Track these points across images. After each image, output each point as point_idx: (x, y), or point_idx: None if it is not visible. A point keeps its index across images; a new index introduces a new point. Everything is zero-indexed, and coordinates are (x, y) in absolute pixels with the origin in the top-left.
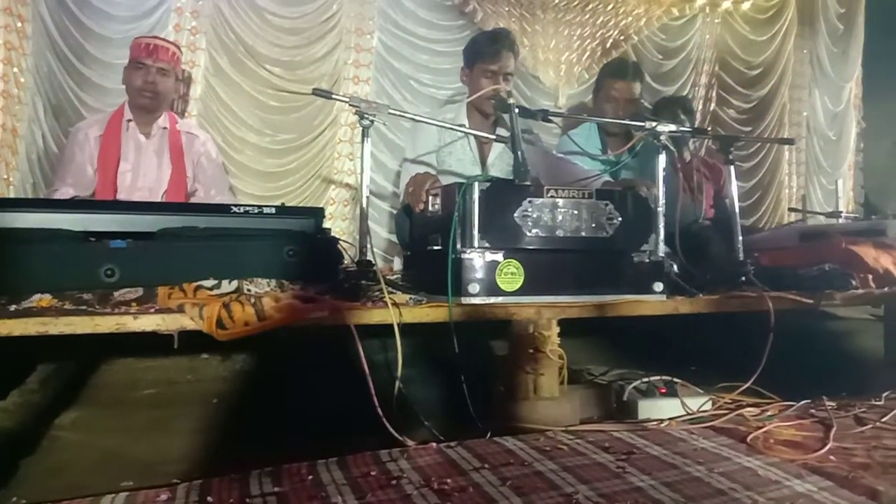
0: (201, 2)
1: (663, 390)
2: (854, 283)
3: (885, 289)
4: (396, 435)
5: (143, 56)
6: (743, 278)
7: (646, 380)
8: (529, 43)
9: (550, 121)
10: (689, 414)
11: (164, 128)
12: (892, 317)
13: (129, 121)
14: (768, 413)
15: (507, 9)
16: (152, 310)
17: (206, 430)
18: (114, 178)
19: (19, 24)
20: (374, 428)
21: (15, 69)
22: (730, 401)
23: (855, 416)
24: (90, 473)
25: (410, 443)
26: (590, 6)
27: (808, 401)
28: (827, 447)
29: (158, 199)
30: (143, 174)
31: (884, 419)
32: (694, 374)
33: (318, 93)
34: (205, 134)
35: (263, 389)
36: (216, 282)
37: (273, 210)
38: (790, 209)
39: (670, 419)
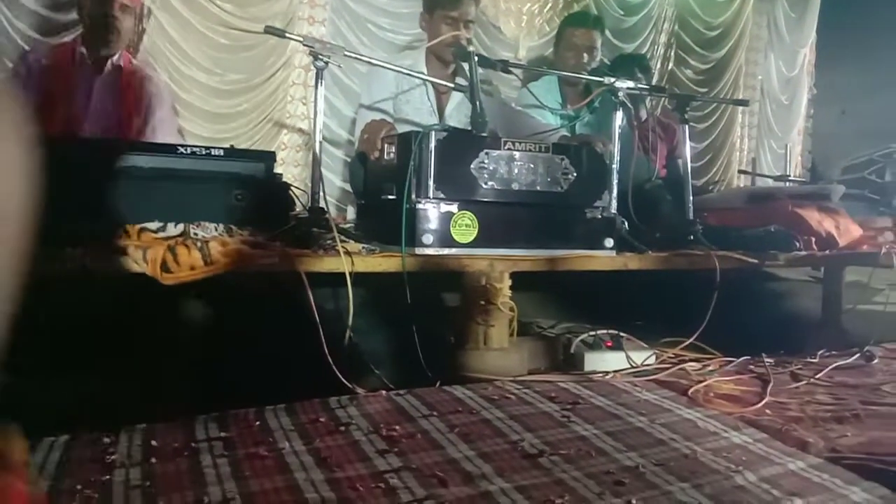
0: None
1: (609, 344)
2: (798, 244)
3: (826, 252)
4: (346, 383)
5: None
6: (691, 237)
7: (592, 333)
8: None
9: (510, 72)
10: (633, 367)
11: (119, 66)
12: (830, 279)
13: (83, 53)
14: (709, 368)
15: None
16: None
17: (151, 375)
18: (63, 111)
19: None
20: (325, 376)
21: None
22: (673, 355)
23: (791, 372)
24: (30, 420)
25: (360, 390)
26: None
27: (748, 357)
28: (763, 401)
29: None
30: (93, 110)
31: (817, 376)
32: (640, 328)
33: (270, 30)
34: (157, 74)
35: (211, 336)
36: (161, 224)
37: (221, 152)
38: (740, 171)
39: (615, 372)
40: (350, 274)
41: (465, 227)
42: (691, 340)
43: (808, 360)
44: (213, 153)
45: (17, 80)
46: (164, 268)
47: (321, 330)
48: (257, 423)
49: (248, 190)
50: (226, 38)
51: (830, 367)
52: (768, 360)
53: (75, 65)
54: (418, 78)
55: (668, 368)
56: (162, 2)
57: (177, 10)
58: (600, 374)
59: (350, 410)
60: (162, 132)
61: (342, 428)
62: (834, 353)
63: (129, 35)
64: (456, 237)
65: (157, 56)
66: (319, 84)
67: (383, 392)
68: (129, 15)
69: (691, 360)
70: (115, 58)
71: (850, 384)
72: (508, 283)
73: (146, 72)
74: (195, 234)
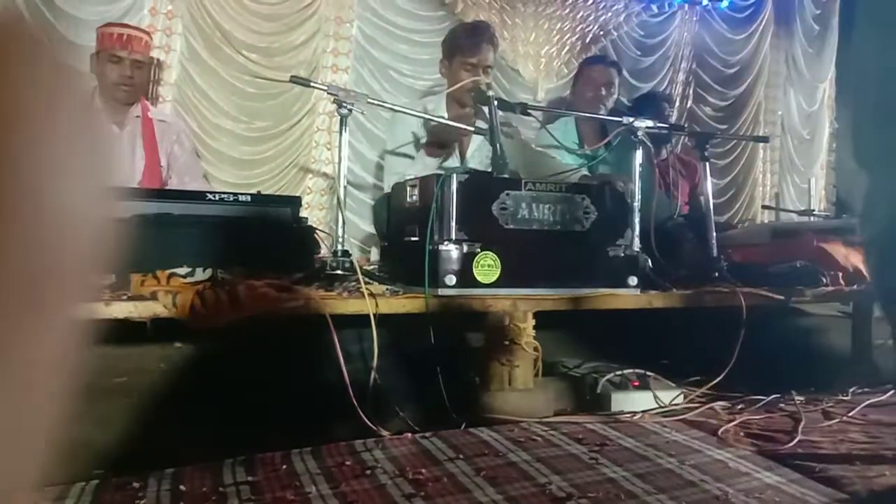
0: None
1: (636, 383)
2: (824, 280)
3: (854, 286)
4: (371, 425)
5: (117, 48)
6: (716, 274)
7: (619, 373)
8: (509, 36)
9: (529, 114)
10: (661, 407)
11: (137, 116)
12: (859, 314)
13: (102, 109)
14: (739, 407)
15: (487, 0)
16: (125, 297)
17: (178, 419)
18: None
19: None
20: (350, 418)
21: None
22: (701, 394)
23: (822, 410)
24: (58, 462)
25: (385, 433)
26: (570, 0)
27: (778, 395)
28: (795, 440)
29: None
30: (116, 165)
31: (850, 413)
32: (666, 367)
33: (295, 80)
34: (177, 120)
35: (237, 379)
36: (190, 269)
37: (248, 198)
38: (764, 206)
39: (643, 412)
40: (374, 316)
41: (488, 268)
42: (719, 379)
43: (840, 397)
44: (240, 199)
45: None
46: (193, 312)
47: (346, 371)
48: (284, 466)
49: (275, 234)
50: (252, 87)
51: (863, 404)
52: (798, 398)
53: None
54: (439, 122)
55: (696, 408)
56: (191, 53)
57: (204, 61)
58: (628, 415)
59: (376, 454)
60: (189, 175)
61: (368, 471)
62: (866, 389)
63: (145, 87)
64: (478, 277)
65: (185, 105)
66: (343, 131)
67: (408, 435)
68: (144, 69)
69: (720, 399)
70: (134, 108)
71: (885, 422)
72: (532, 322)
73: (166, 119)
74: (223, 278)
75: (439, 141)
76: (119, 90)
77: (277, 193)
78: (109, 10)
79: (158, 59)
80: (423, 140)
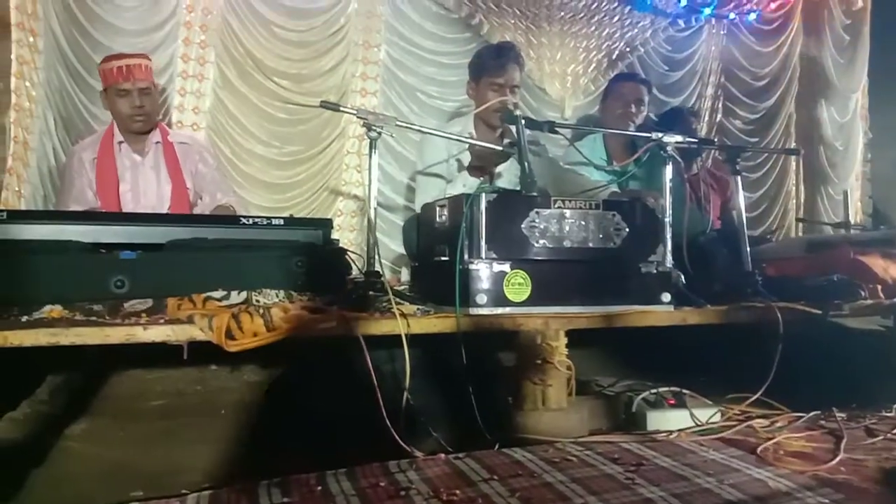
0: (210, 16)
1: (672, 401)
2: (863, 293)
3: (894, 299)
4: (405, 446)
5: (120, 81)
6: (750, 289)
7: (654, 391)
8: (535, 55)
9: (557, 132)
10: (698, 425)
11: (158, 142)
12: None
13: (121, 142)
14: (778, 424)
15: (512, 21)
16: (162, 321)
17: (214, 441)
18: (116, 200)
19: (31, 39)
20: (383, 439)
21: (27, 83)
22: (739, 412)
23: (865, 427)
24: (99, 484)
25: (419, 454)
26: (595, 18)
27: (818, 412)
28: (837, 458)
29: None
30: (144, 193)
31: (895, 430)
32: (702, 384)
33: (326, 105)
34: (197, 139)
35: (272, 400)
36: (225, 293)
37: (281, 221)
38: (798, 219)
39: (679, 430)
40: (406, 336)
41: (519, 286)
42: (758, 396)
43: (883, 413)
44: (273, 223)
45: (73, 174)
46: (229, 335)
47: (379, 392)
48: (319, 487)
49: (307, 256)
50: (283, 113)
51: None
52: (840, 415)
53: (121, 153)
54: (468, 142)
55: (734, 426)
56: (223, 81)
57: (236, 88)
58: (664, 434)
59: (410, 475)
60: (220, 191)
61: (402, 493)
62: None
63: (157, 111)
64: (509, 296)
65: (218, 131)
66: (373, 153)
67: (442, 455)
68: (150, 94)
69: (758, 417)
70: (153, 135)
71: None
72: (564, 340)
73: (186, 140)
74: (257, 301)
75: (481, 162)
76: (133, 121)
77: (309, 216)
78: (145, 41)
79: (160, 86)
80: (456, 161)
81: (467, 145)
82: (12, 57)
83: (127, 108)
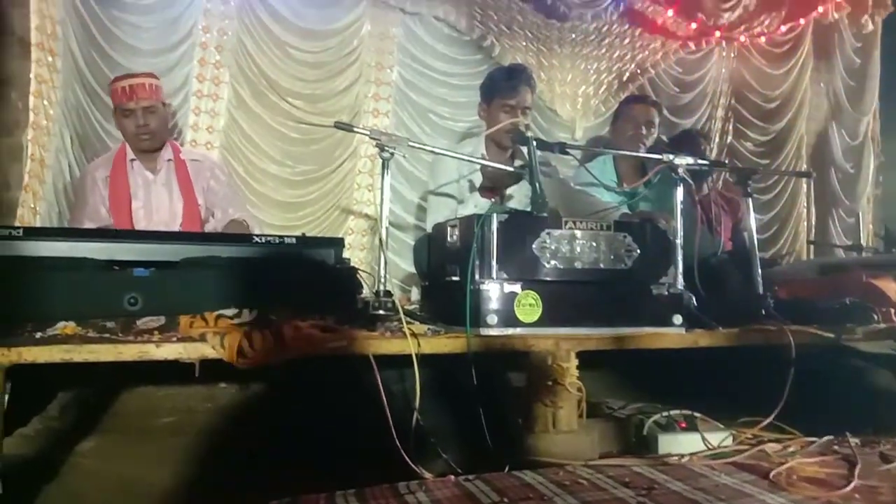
0: (225, 37)
1: (683, 425)
2: (876, 317)
3: None
4: (414, 467)
5: (124, 101)
6: (762, 311)
7: (665, 414)
8: (546, 76)
9: (568, 153)
10: (710, 449)
11: (169, 160)
12: None
13: (133, 160)
14: (791, 449)
15: (524, 43)
16: (174, 338)
17: (223, 459)
18: (128, 217)
19: (50, 59)
20: (392, 459)
21: (45, 101)
22: (751, 436)
23: (880, 453)
24: (109, 500)
25: (428, 475)
26: (606, 40)
27: (831, 437)
28: (852, 485)
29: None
30: (156, 210)
31: None
32: (714, 408)
33: (339, 126)
34: (209, 156)
35: (281, 419)
36: (237, 311)
37: (294, 240)
38: (809, 242)
39: (691, 454)
40: (416, 356)
41: (529, 307)
42: (770, 420)
43: None
44: (285, 241)
45: (86, 192)
46: (241, 353)
47: (388, 412)
48: None
49: (319, 275)
50: (296, 132)
51: None
52: (854, 440)
53: (133, 171)
54: (479, 163)
55: (746, 450)
56: (237, 101)
57: (251, 108)
58: (675, 457)
59: (419, 496)
60: (233, 207)
61: None
62: None
63: (165, 129)
64: (520, 317)
65: (232, 151)
66: (385, 174)
67: (452, 477)
68: (156, 112)
69: (771, 441)
70: (165, 152)
71: None
72: (575, 362)
73: (198, 158)
74: (269, 319)
75: (492, 183)
76: (139, 140)
77: (321, 235)
78: (161, 62)
79: (170, 105)
80: (468, 182)
81: (479, 166)
82: (31, 76)
83: (131, 126)
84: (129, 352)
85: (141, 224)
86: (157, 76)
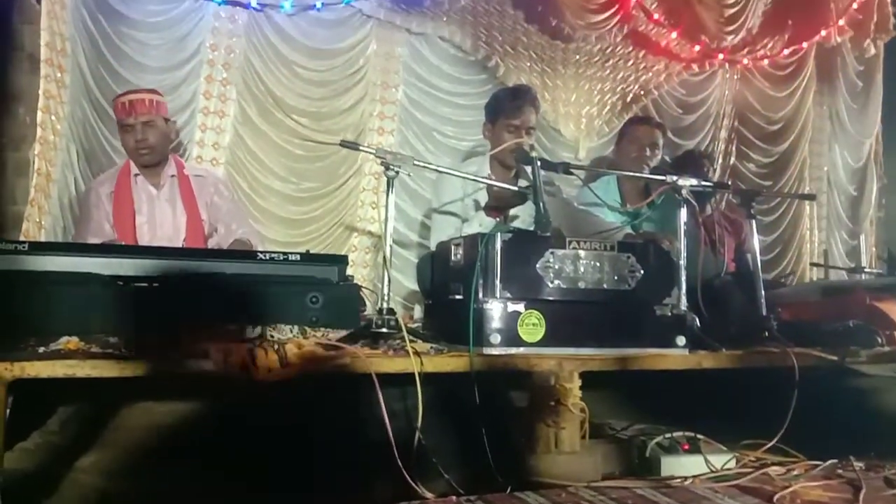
0: (233, 55)
1: (686, 447)
2: (880, 340)
3: None
4: (416, 486)
5: (124, 117)
6: (766, 333)
7: (668, 435)
8: (550, 97)
9: (571, 173)
10: (713, 471)
11: (173, 175)
12: None
13: (137, 175)
14: (794, 472)
15: (528, 64)
16: (177, 354)
17: (224, 476)
18: (132, 233)
19: (59, 75)
20: (394, 479)
21: (52, 116)
22: (754, 459)
23: (885, 478)
24: None
25: (430, 495)
26: (610, 62)
27: (835, 461)
28: None
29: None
30: (160, 225)
31: None
32: (717, 430)
33: (345, 144)
34: (213, 172)
35: (283, 436)
36: (240, 327)
37: (298, 257)
38: (812, 264)
39: (694, 477)
40: (419, 374)
41: (533, 327)
42: (774, 443)
43: None
44: (290, 258)
45: (91, 208)
46: (243, 370)
47: (390, 431)
48: None
49: (323, 293)
50: (301, 149)
51: None
52: (858, 464)
53: (137, 186)
54: (484, 182)
55: (750, 473)
56: (243, 117)
57: (256, 125)
58: (678, 480)
59: None
60: (236, 222)
61: None
62: None
63: (167, 141)
64: (523, 336)
65: (237, 167)
66: (390, 192)
67: (453, 497)
68: (155, 127)
69: (774, 464)
70: (168, 168)
71: None
72: (578, 383)
73: (201, 173)
74: (272, 336)
75: (497, 203)
76: (139, 154)
77: (324, 251)
78: (168, 78)
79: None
80: (473, 200)
81: (483, 185)
82: (40, 91)
83: (131, 141)
84: (131, 367)
85: (145, 239)
86: (159, 92)
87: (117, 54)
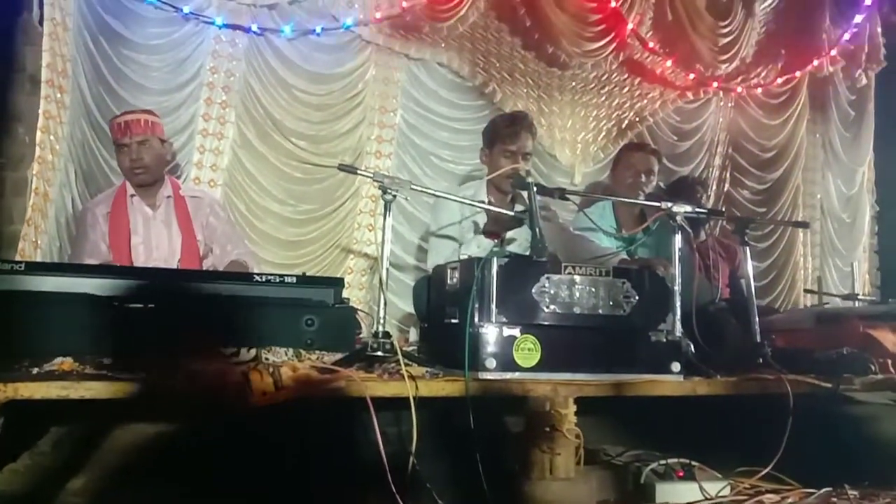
0: (233, 78)
1: (681, 473)
2: (873, 367)
3: None
4: None
5: (119, 137)
6: (760, 360)
7: (663, 462)
8: (547, 123)
9: (567, 198)
10: (707, 498)
11: (169, 196)
12: None
13: (133, 196)
14: (789, 500)
15: (525, 90)
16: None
17: (217, 498)
18: (127, 254)
19: (59, 95)
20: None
21: (52, 136)
22: (749, 486)
23: None
24: None
25: None
26: (606, 89)
27: (830, 489)
28: None
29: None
30: (156, 246)
31: None
32: (712, 457)
33: (343, 168)
34: (209, 193)
35: (276, 460)
36: (235, 350)
37: (294, 279)
38: (806, 290)
39: None
40: (414, 399)
41: (528, 351)
42: (768, 470)
43: None
44: (286, 280)
45: (87, 229)
46: (238, 392)
47: (384, 455)
48: None
49: (318, 315)
50: (299, 172)
51: None
52: (853, 493)
53: (133, 207)
54: (480, 207)
55: (744, 500)
56: (242, 140)
57: (255, 147)
58: None
59: None
60: (231, 244)
61: None
62: None
63: (162, 161)
64: (519, 361)
65: (235, 189)
66: (387, 216)
67: None
68: (150, 147)
69: (769, 492)
70: (164, 189)
71: None
72: (573, 408)
73: (197, 194)
74: (267, 359)
75: (495, 227)
76: (134, 174)
77: (320, 273)
78: (168, 100)
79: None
80: (472, 223)
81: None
82: (40, 112)
83: (126, 161)
84: (125, 389)
85: (140, 260)
86: (156, 113)
87: (118, 76)
